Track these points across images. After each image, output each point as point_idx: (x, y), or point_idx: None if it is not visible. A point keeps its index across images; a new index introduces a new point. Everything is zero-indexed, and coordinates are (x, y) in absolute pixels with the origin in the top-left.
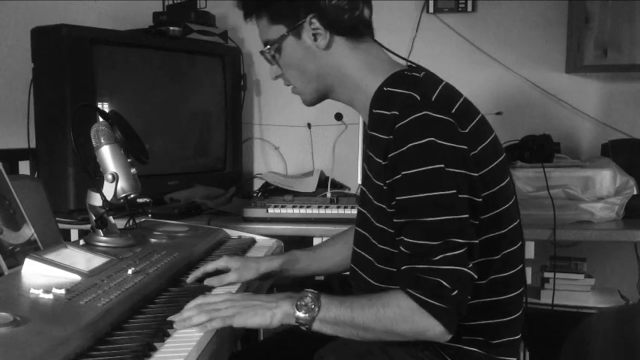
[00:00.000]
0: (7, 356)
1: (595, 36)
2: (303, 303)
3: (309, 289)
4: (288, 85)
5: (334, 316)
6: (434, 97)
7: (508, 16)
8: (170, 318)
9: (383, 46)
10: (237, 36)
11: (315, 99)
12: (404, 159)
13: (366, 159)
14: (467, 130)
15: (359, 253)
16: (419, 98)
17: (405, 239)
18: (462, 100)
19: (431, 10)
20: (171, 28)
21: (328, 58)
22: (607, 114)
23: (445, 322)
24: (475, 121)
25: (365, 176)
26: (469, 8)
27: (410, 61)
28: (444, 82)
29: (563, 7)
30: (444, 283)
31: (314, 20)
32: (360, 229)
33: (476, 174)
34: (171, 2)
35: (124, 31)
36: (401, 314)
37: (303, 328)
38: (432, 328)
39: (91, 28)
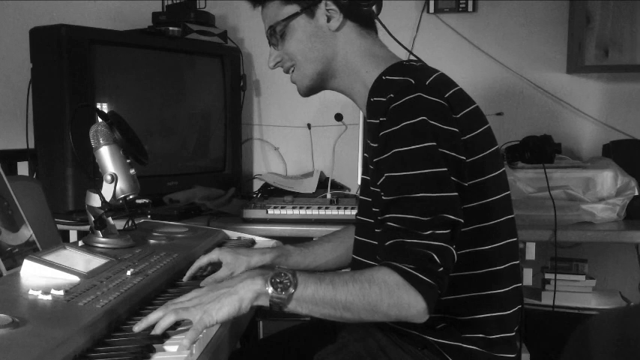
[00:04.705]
0: (6, 358)
1: (596, 36)
2: (278, 280)
3: (283, 267)
4: (287, 72)
5: (312, 294)
6: (428, 82)
7: (509, 16)
8: (136, 328)
9: (396, 40)
10: (236, 36)
11: (312, 85)
12: (396, 137)
13: (365, 147)
14: (459, 116)
15: (362, 242)
16: (413, 82)
17: (394, 215)
18: (456, 88)
19: (431, 10)
20: (170, 28)
21: (336, 41)
22: (608, 114)
23: (428, 299)
24: (469, 109)
25: (365, 165)
26: (470, 8)
27: (412, 52)
28: (439, 72)
29: (564, 7)
30: (435, 256)
31: (330, 2)
32: (361, 217)
33: (465, 159)
34: (170, 2)
35: (123, 32)
36: (387, 289)
37: (276, 307)
38: (415, 303)
39: (90, 29)
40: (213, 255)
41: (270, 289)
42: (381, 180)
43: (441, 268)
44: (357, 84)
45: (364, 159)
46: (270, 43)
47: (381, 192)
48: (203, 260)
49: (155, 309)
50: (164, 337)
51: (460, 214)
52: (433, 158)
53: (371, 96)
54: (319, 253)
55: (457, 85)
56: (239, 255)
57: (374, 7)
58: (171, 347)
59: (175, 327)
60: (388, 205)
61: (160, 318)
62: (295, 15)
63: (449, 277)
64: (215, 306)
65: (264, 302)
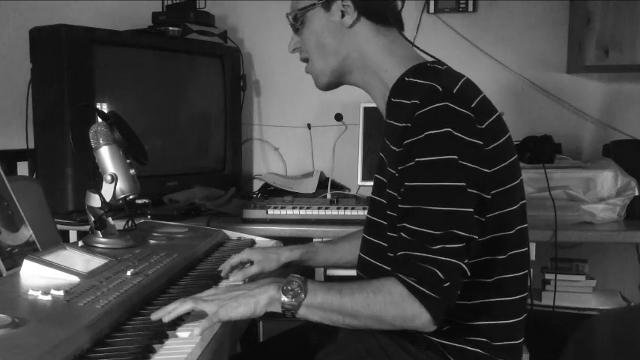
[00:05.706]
0: (6, 358)
1: (596, 36)
2: (290, 288)
3: (296, 274)
4: (305, 61)
5: (321, 302)
6: (455, 90)
7: (509, 16)
8: (153, 316)
9: (411, 42)
10: (236, 36)
11: (329, 80)
12: (419, 146)
13: (382, 147)
14: (484, 126)
15: (371, 241)
16: (440, 89)
17: (407, 225)
18: (481, 96)
19: (431, 10)
20: (170, 28)
21: (350, 38)
22: (608, 114)
23: (433, 312)
24: (492, 118)
25: (380, 164)
26: (470, 8)
27: (433, 57)
28: (465, 77)
29: (565, 7)
30: (439, 273)
31: None
32: (372, 217)
33: (487, 170)
34: (170, 2)
35: (123, 32)
36: (391, 300)
37: (288, 314)
38: (419, 315)
39: (90, 29)
40: (244, 255)
41: (282, 297)
42: (403, 188)
43: (447, 283)
44: (375, 81)
45: (379, 158)
46: (292, 29)
47: (401, 199)
48: (234, 259)
49: (155, 309)
50: (164, 337)
51: (474, 231)
52: (453, 171)
53: (392, 96)
54: (347, 249)
55: (481, 92)
56: (268, 253)
57: (396, 4)
58: (183, 333)
59: (180, 323)
60: (403, 215)
61: (178, 307)
62: (312, 6)
63: (457, 291)
64: (233, 304)
65: (276, 308)
